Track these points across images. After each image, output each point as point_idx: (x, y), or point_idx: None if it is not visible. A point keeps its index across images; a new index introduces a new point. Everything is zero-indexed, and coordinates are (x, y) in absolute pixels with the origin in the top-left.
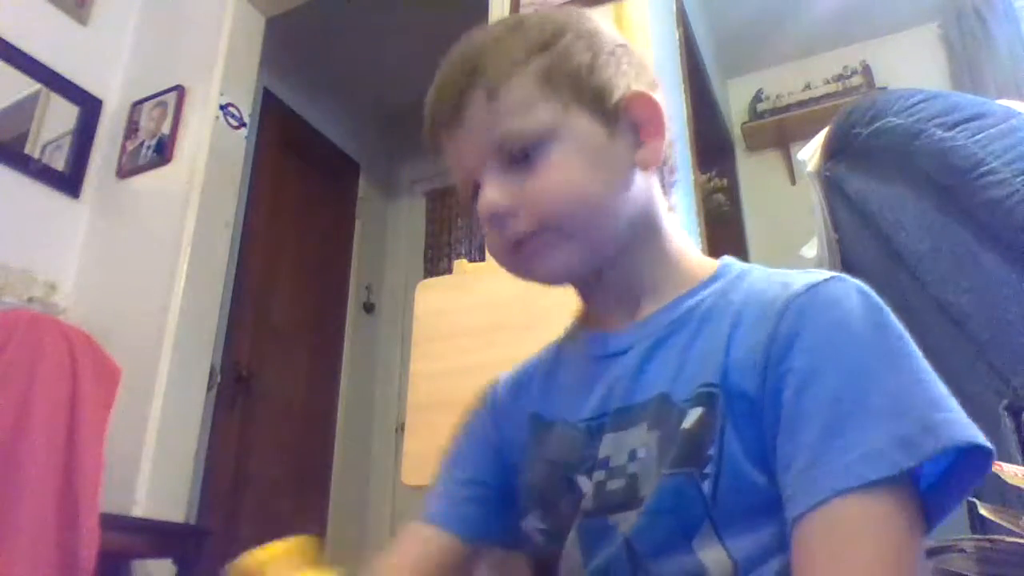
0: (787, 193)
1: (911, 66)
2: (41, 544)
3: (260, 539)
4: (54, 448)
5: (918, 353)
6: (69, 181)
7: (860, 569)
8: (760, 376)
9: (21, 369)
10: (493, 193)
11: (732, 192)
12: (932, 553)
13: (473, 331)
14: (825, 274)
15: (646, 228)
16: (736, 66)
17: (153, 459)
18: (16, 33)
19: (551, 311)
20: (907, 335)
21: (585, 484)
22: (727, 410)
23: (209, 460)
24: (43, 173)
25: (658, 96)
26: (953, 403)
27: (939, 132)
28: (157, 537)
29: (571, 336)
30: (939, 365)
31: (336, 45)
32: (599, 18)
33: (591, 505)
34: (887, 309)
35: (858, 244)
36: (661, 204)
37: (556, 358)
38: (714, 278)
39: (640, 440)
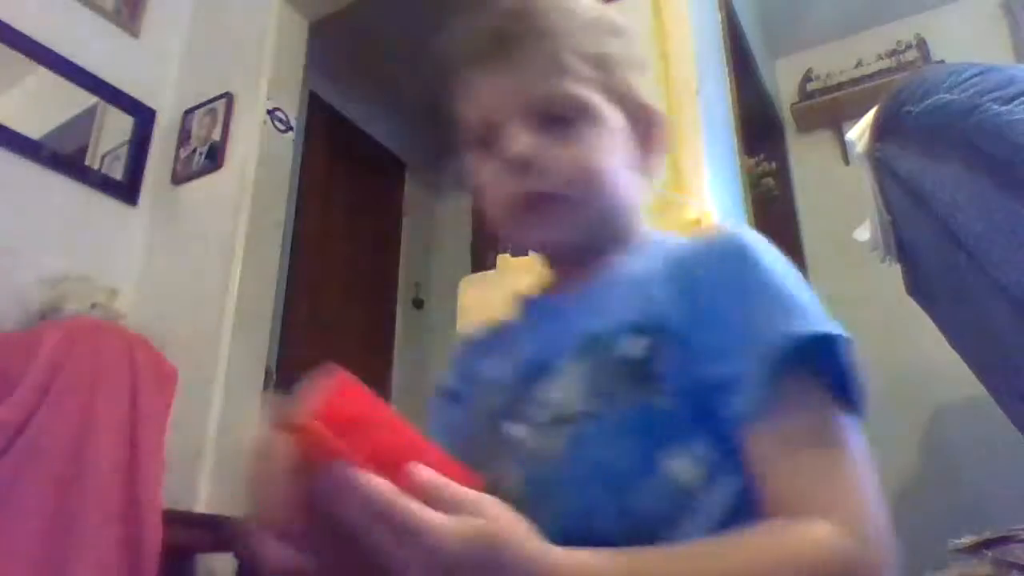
0: (840, 174)
1: (969, 38)
2: (108, 539)
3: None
4: (117, 449)
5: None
6: (127, 189)
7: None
8: (678, 314)
9: (85, 374)
10: (530, 141)
11: (783, 175)
12: (992, 544)
13: None
14: (728, 230)
15: (631, 217)
16: (784, 45)
17: (214, 457)
18: (73, 49)
19: None
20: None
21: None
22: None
23: None
24: (102, 183)
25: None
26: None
27: (995, 107)
28: (219, 532)
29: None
30: (996, 345)
31: (379, 46)
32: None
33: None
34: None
35: (912, 225)
36: (644, 199)
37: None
38: (639, 247)
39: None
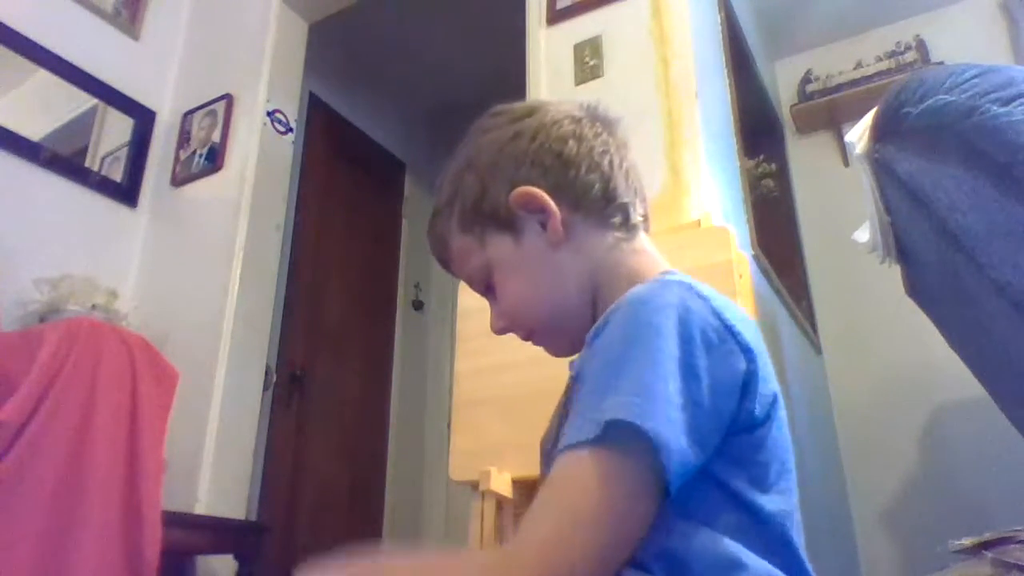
0: (839, 176)
1: (969, 40)
2: (107, 541)
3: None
4: (117, 450)
5: (661, 347)
6: (127, 191)
7: (544, 502)
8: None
9: (84, 375)
10: (493, 319)
11: (782, 177)
12: (992, 544)
13: None
14: (665, 279)
15: (602, 274)
16: (783, 46)
17: (214, 459)
18: (73, 51)
19: None
20: (664, 330)
21: None
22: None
23: (267, 459)
24: (102, 184)
25: (544, 173)
26: (645, 391)
27: (995, 108)
28: (219, 533)
29: None
30: (998, 345)
31: (378, 47)
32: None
33: None
34: (671, 306)
35: (912, 227)
36: (609, 245)
37: None
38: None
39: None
